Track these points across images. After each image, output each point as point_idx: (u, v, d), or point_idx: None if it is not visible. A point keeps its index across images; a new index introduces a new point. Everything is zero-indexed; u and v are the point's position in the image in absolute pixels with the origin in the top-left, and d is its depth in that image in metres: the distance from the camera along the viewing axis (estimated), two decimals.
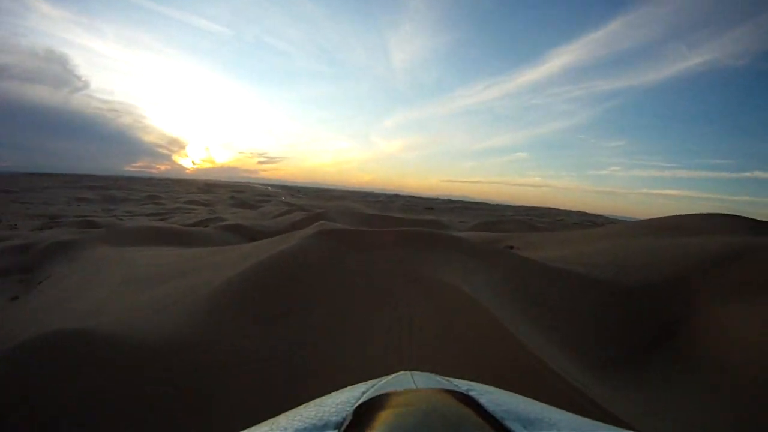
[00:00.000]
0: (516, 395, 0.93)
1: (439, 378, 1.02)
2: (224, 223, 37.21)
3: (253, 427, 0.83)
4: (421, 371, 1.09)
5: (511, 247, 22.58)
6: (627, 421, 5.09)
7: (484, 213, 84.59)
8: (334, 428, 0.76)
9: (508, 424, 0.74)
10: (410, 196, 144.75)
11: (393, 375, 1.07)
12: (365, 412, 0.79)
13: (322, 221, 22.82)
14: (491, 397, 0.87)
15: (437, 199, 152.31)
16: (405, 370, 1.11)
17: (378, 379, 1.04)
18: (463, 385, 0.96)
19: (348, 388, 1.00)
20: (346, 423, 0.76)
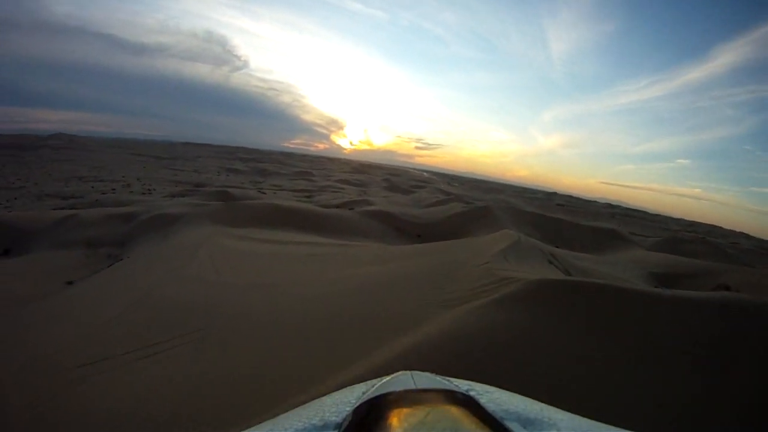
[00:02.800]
0: (516, 395, 0.96)
1: (439, 378, 1.05)
2: (371, 207, 33.62)
3: (253, 428, 0.85)
4: (422, 371, 1.10)
5: (727, 288, 19.20)
6: None
7: (649, 224, 75.92)
8: (334, 428, 0.80)
9: (508, 423, 0.78)
10: (569, 196, 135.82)
11: (393, 375, 1.08)
12: (365, 412, 0.83)
13: (506, 230, 15.94)
14: (491, 396, 0.91)
15: (596, 201, 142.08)
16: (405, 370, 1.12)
17: (378, 379, 1.07)
18: (463, 384, 0.99)
19: (348, 388, 1.03)
20: (346, 423, 0.80)
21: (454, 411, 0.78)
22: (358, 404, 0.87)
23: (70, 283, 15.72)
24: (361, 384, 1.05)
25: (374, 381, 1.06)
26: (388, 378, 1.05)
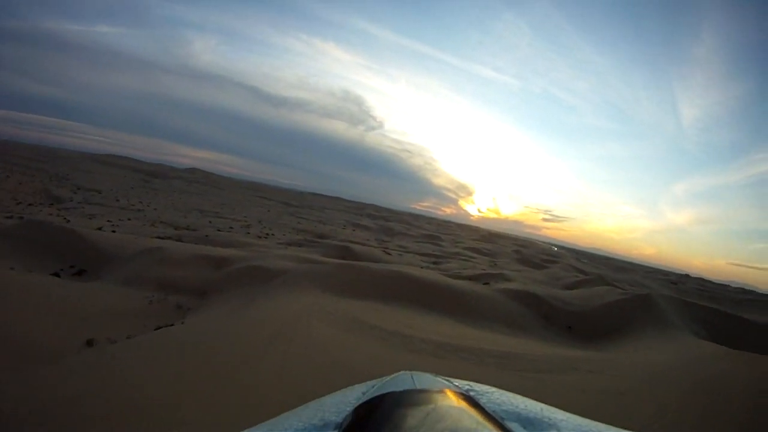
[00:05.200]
0: (516, 395, 0.98)
1: (439, 378, 1.07)
2: (510, 285, 29.36)
3: (253, 428, 0.86)
4: (422, 372, 1.11)
5: None
6: None
7: None
8: (334, 428, 0.81)
9: (508, 424, 0.80)
10: (701, 279, 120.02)
11: (393, 375, 1.10)
12: (365, 412, 0.84)
13: None
14: (491, 397, 0.94)
15: (728, 285, 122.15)
16: (405, 370, 1.13)
17: (378, 380, 1.10)
18: (463, 385, 1.02)
19: (348, 388, 1.07)
20: (346, 423, 0.81)
21: (454, 411, 0.79)
22: (358, 404, 0.88)
23: (90, 344, 11.55)
24: (362, 384, 1.08)
25: (374, 381, 1.09)
26: (388, 378, 1.07)
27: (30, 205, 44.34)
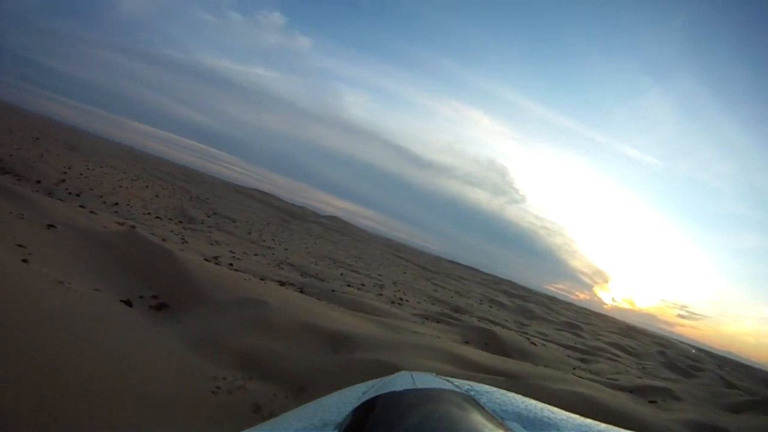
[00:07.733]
0: (516, 395, 1.01)
1: (439, 378, 1.08)
2: (688, 413, 23.40)
3: (253, 428, 0.89)
4: (422, 371, 1.13)
5: None
6: None
7: None
8: (334, 428, 0.83)
9: (508, 423, 0.83)
10: None
11: (393, 375, 1.12)
12: (365, 412, 0.85)
13: None
14: (491, 396, 0.96)
15: None
16: (405, 370, 1.15)
17: (378, 380, 1.12)
18: (463, 384, 1.04)
19: (348, 388, 1.09)
20: (346, 423, 0.83)
21: (454, 411, 0.79)
22: (358, 404, 0.89)
23: None
24: (362, 384, 1.09)
25: (374, 381, 1.09)
26: (388, 378, 1.07)
27: (157, 218, 43.13)
